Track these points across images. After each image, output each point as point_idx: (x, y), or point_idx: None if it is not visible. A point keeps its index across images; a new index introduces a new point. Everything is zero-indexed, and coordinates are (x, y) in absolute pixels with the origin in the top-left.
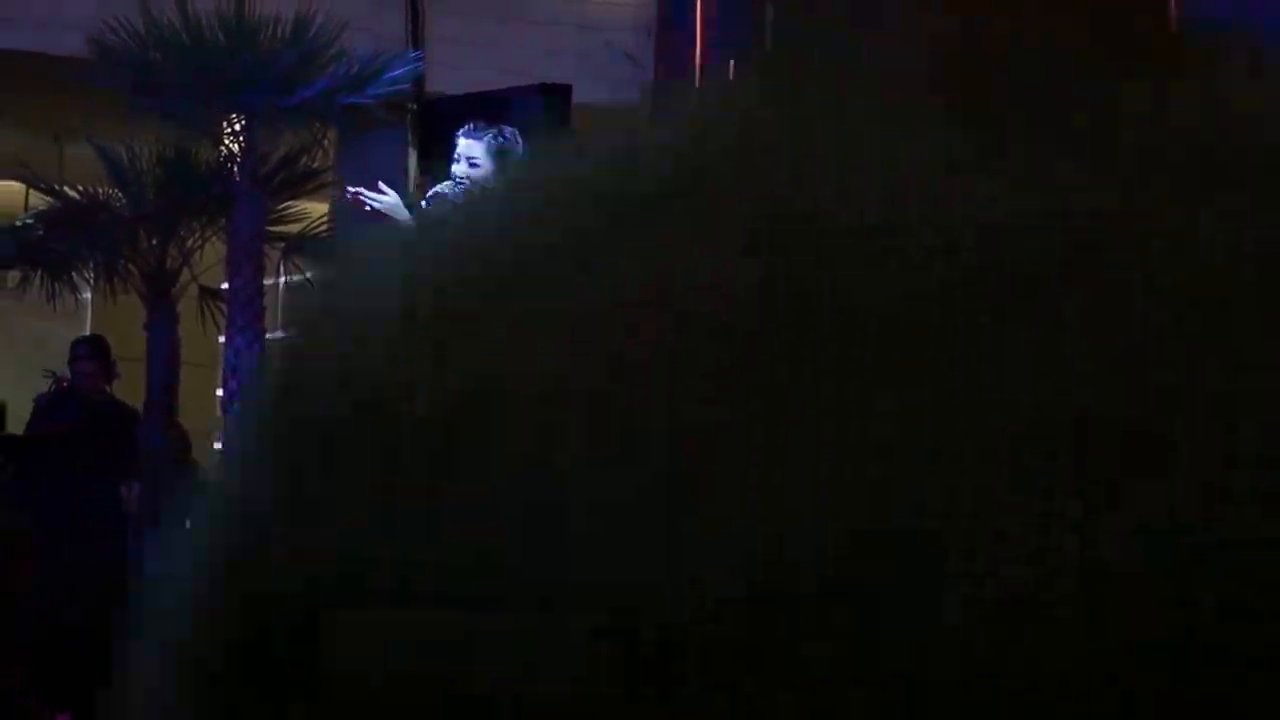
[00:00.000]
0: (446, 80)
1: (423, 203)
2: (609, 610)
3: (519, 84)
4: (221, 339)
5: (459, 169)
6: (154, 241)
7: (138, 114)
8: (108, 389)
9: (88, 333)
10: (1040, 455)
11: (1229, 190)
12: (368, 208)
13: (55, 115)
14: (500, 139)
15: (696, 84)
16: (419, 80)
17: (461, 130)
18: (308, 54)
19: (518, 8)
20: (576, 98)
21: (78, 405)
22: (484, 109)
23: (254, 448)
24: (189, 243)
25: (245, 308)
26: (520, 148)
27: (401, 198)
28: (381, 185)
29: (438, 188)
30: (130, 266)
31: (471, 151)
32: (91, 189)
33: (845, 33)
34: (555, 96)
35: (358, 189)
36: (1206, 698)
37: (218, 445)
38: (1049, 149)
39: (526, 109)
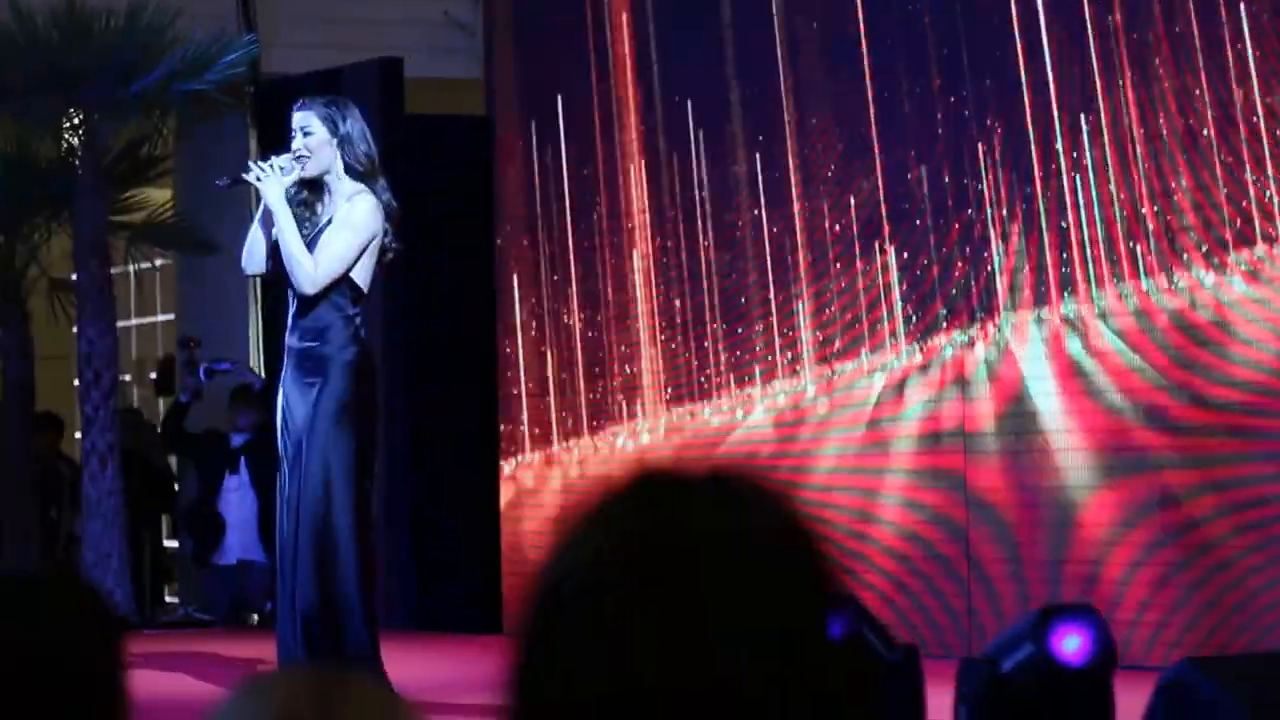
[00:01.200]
0: (284, 60)
1: (254, 175)
2: None
3: (355, 60)
4: (75, 330)
5: (296, 142)
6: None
7: None
8: None
9: None
10: None
11: None
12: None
13: None
14: (333, 107)
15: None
16: (255, 62)
17: (294, 105)
18: (143, 43)
19: None
20: (416, 71)
21: None
22: (320, 87)
23: None
24: (35, 238)
25: (95, 298)
26: (355, 115)
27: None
28: (258, 164)
29: (274, 159)
30: None
31: (306, 122)
32: None
33: None
34: (389, 72)
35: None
36: None
37: (78, 435)
38: None
39: (361, 85)
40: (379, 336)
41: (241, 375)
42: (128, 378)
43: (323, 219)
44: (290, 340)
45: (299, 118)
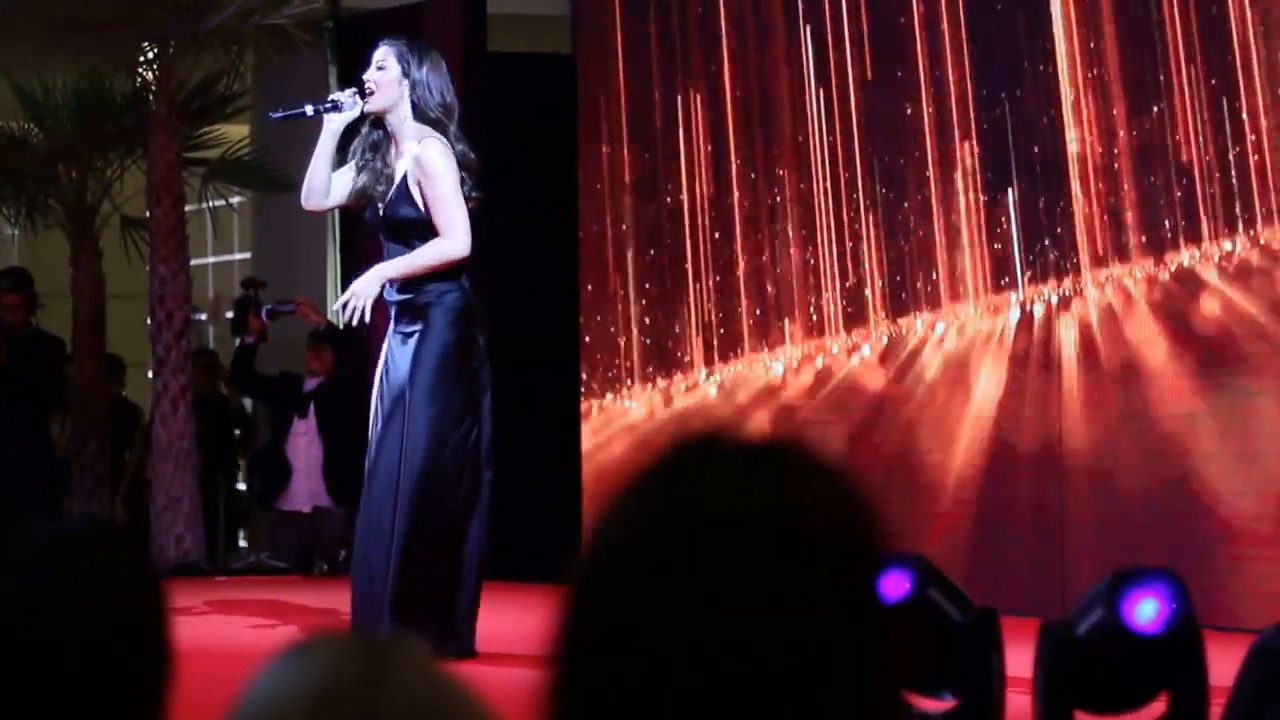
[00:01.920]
0: None
1: (312, 108)
2: None
3: None
4: (148, 269)
5: (367, 74)
6: (73, 175)
7: (55, 49)
8: (32, 321)
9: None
10: None
11: None
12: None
13: None
14: (413, 49)
15: None
16: None
17: (380, 39)
18: None
19: None
20: (500, 7)
21: (1, 338)
22: (400, 23)
23: None
24: (108, 174)
25: (167, 237)
26: (437, 62)
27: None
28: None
29: (335, 95)
30: (51, 202)
31: (383, 57)
32: (10, 126)
33: None
34: (471, 8)
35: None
36: None
37: (150, 375)
38: None
39: (444, 22)
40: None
41: (306, 316)
42: (203, 317)
43: (394, 165)
44: (389, 292)
45: (379, 53)
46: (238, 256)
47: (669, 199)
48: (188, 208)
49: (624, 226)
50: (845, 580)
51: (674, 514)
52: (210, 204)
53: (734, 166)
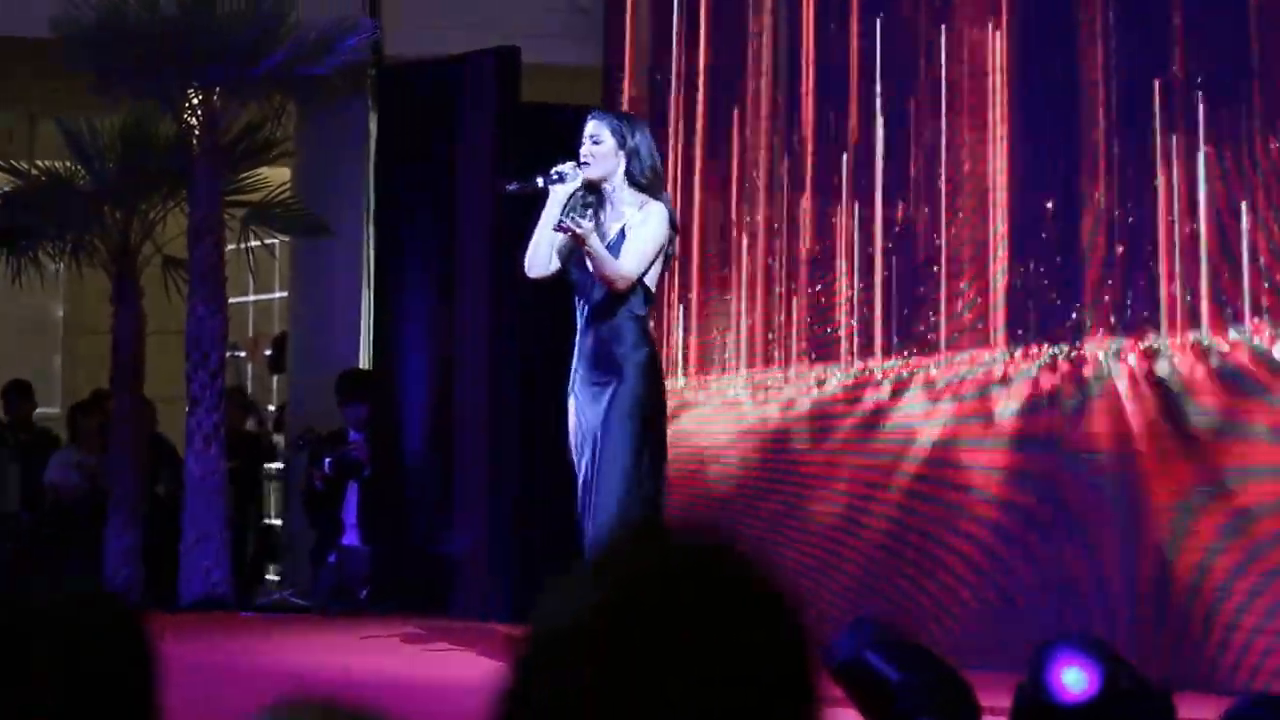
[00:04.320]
0: (406, 44)
1: (542, 180)
2: None
3: (478, 44)
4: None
5: (584, 148)
6: (117, 216)
7: (102, 91)
8: None
9: (60, 309)
10: None
11: None
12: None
13: (28, 95)
14: (623, 120)
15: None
16: (377, 46)
17: (589, 114)
18: (265, 25)
19: None
20: (538, 57)
21: None
22: (438, 75)
23: None
24: (151, 215)
25: (206, 277)
26: (644, 130)
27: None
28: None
29: (559, 167)
30: (96, 241)
31: (597, 131)
32: (55, 166)
33: None
34: (506, 61)
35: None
36: None
37: (185, 410)
38: None
39: (479, 74)
40: (486, 312)
41: (357, 454)
42: (242, 354)
43: (607, 225)
44: (583, 342)
45: (591, 126)
46: (277, 296)
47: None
48: (228, 248)
49: None
50: (772, 668)
51: (612, 605)
52: (249, 246)
53: (758, 217)
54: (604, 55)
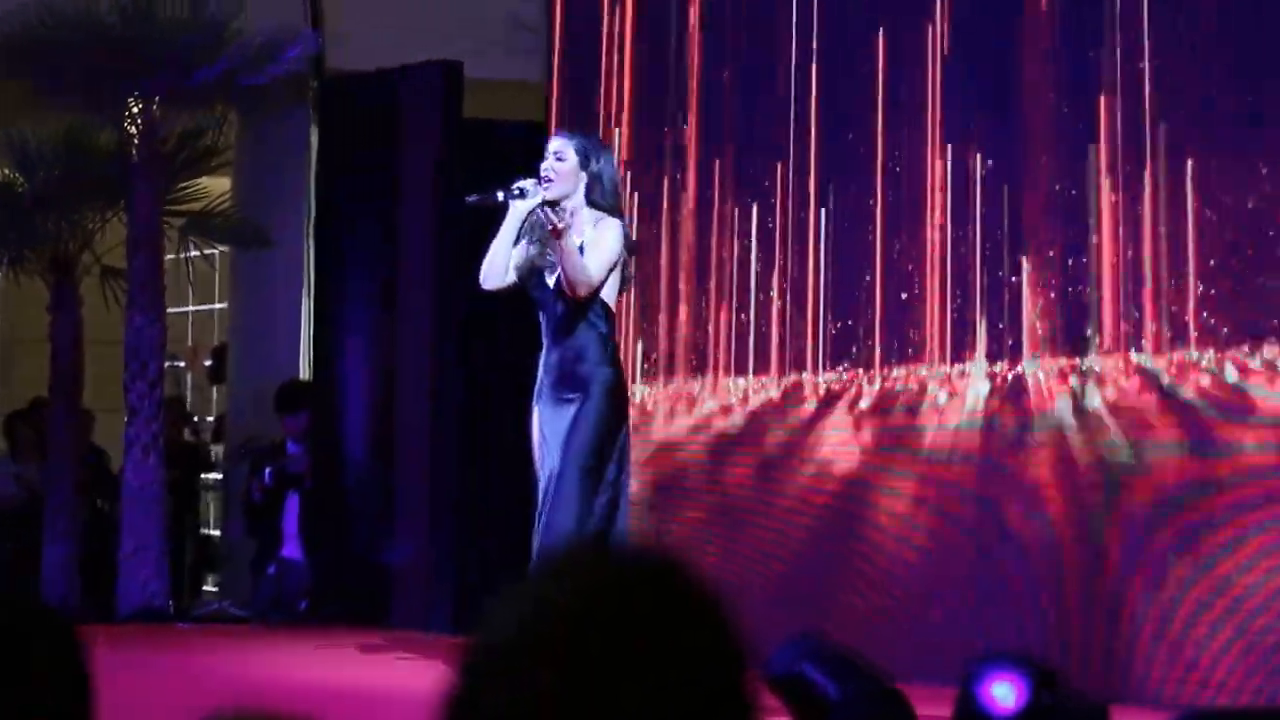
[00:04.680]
0: (348, 56)
1: (502, 195)
2: None
3: (421, 58)
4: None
5: (544, 165)
6: (55, 224)
7: (42, 99)
8: None
9: None
10: None
11: None
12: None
13: None
14: (590, 142)
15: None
16: (319, 58)
17: (555, 131)
18: (206, 35)
19: None
20: (483, 72)
21: None
22: (380, 89)
23: None
24: (90, 224)
25: (145, 286)
26: (610, 157)
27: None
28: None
29: (520, 183)
30: (34, 251)
31: (561, 148)
32: None
33: None
34: (449, 75)
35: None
36: None
37: (124, 420)
38: None
39: (422, 88)
40: (427, 323)
41: (296, 468)
42: (181, 364)
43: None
44: (548, 358)
45: (556, 143)
46: (217, 306)
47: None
48: (167, 258)
49: None
50: (715, 678)
51: (570, 613)
52: (188, 256)
53: (709, 243)
54: (547, 71)
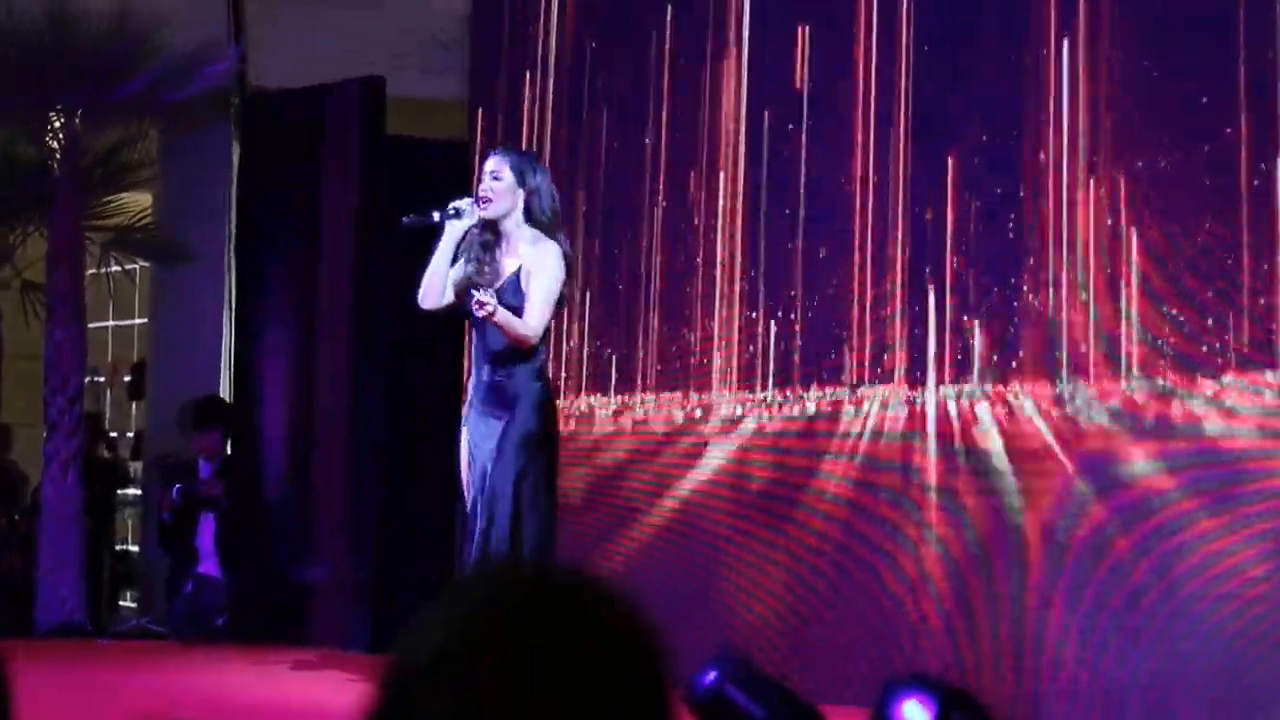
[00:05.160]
0: (271, 73)
1: (438, 215)
2: None
3: (344, 75)
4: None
5: (481, 185)
6: None
7: None
8: None
9: None
10: None
11: None
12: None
13: None
14: (526, 159)
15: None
16: (241, 74)
17: (491, 151)
18: (129, 50)
19: None
20: (402, 90)
21: None
22: (303, 105)
23: None
24: (11, 238)
25: (65, 301)
26: (545, 172)
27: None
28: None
29: (456, 203)
30: None
31: (497, 167)
32: None
33: None
34: (371, 92)
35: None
36: None
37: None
38: None
39: (344, 104)
40: (348, 342)
41: (206, 489)
42: (101, 379)
43: (502, 262)
44: (480, 375)
45: (492, 162)
46: (138, 322)
47: None
48: (88, 273)
49: None
50: (633, 698)
51: (480, 630)
52: (109, 271)
53: (622, 255)
54: (468, 89)
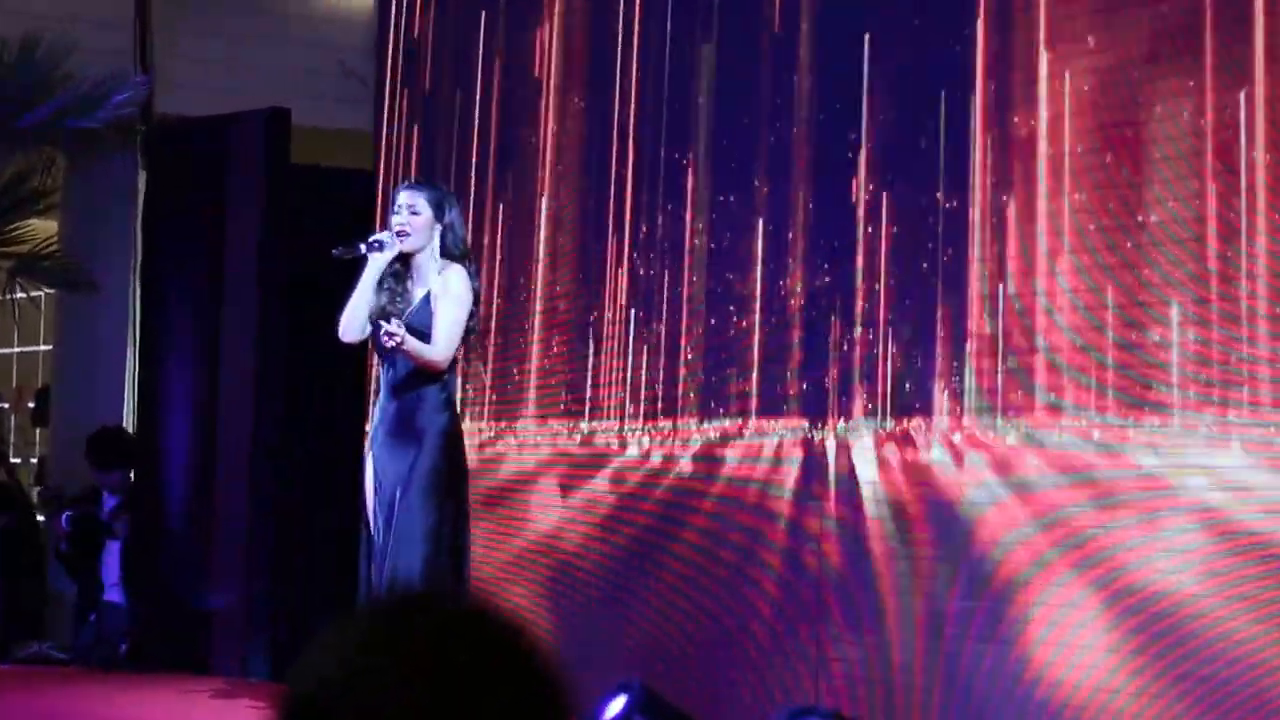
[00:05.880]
0: (178, 102)
1: (364, 247)
2: None
3: (252, 105)
4: None
5: (398, 219)
6: None
7: None
8: None
9: None
10: None
11: None
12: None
13: None
14: (441, 193)
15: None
16: (147, 103)
17: (403, 184)
18: (35, 77)
19: (248, 27)
20: (309, 120)
21: None
22: (209, 134)
23: None
24: None
25: None
26: (457, 206)
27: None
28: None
29: (378, 236)
30: None
31: (414, 201)
32: None
33: None
34: (276, 122)
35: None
36: None
37: None
38: None
39: (250, 134)
40: (251, 369)
41: (104, 518)
42: (5, 405)
43: (413, 291)
44: (386, 405)
45: (406, 195)
46: (42, 348)
47: None
48: None
49: None
50: None
51: (386, 664)
52: (14, 297)
53: (535, 287)
54: (374, 120)
